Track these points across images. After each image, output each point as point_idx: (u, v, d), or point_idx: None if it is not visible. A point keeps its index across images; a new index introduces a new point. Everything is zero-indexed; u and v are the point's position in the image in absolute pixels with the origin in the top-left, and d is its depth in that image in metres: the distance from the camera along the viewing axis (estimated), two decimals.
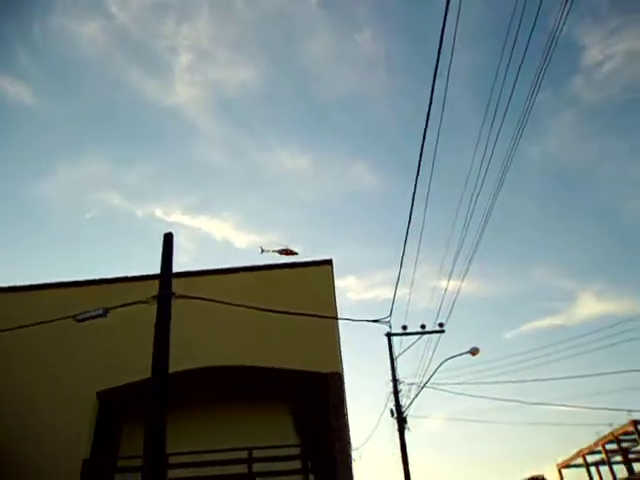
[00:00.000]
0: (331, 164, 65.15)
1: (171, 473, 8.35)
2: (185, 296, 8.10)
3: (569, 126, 61.96)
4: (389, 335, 16.21)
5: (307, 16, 50.18)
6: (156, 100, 47.16)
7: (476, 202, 8.70)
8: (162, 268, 7.97)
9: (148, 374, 6.74)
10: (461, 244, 10.01)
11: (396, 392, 15.87)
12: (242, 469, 9.91)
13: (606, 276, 77.00)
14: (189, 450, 9.64)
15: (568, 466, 49.23)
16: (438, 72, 6.25)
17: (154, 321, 7.22)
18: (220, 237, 67.39)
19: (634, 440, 38.15)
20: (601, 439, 40.47)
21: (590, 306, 68.40)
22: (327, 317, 10.56)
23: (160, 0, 41.22)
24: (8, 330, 9.20)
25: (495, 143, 7.54)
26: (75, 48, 39.96)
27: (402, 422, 15.41)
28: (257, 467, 10.03)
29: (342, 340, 12.05)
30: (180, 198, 59.66)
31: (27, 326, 9.08)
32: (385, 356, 16.47)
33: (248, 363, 10.78)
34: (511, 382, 22.84)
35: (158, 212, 58.13)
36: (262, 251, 14.83)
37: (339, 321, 11.42)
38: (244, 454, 10.02)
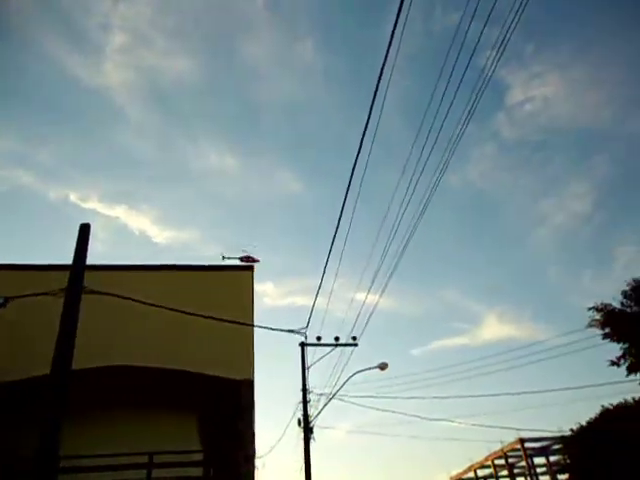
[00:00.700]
0: (259, 167, 64.93)
1: (66, 478, 7.89)
2: (96, 292, 7.78)
3: (489, 158, 66.17)
4: (303, 345, 16.36)
5: (252, 16, 49.96)
6: (81, 78, 44.57)
7: (399, 223, 9.09)
8: (75, 260, 7.58)
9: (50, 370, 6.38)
10: (382, 261, 10.37)
11: (305, 402, 16.01)
12: (142, 474, 9.55)
13: (510, 300, 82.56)
14: (89, 453, 9.15)
15: (460, 479, 51.94)
16: (377, 94, 6.53)
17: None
18: (138, 230, 64.81)
19: (520, 456, 41.08)
20: (491, 455, 43.24)
21: (493, 328, 72.98)
22: (244, 324, 10.51)
23: None
24: None
25: (423, 168, 7.94)
26: None
27: (308, 432, 15.56)
28: (157, 473, 9.70)
29: (256, 346, 12.04)
30: (98, 184, 56.59)
31: None
32: (298, 365, 16.60)
33: (159, 365, 10.44)
34: (413, 398, 23.79)
35: (73, 197, 54.92)
36: (223, 258, 14.80)
37: (255, 328, 11.40)
38: (145, 459, 9.67)
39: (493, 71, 6.20)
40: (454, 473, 50.83)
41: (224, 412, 11.07)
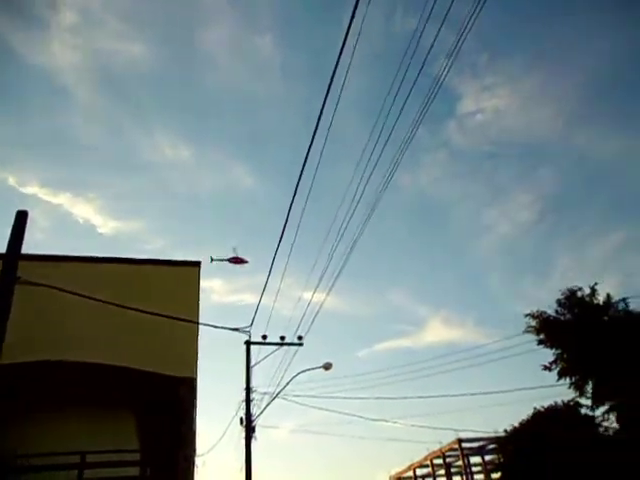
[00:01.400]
0: (212, 160, 63.92)
1: None
2: (31, 282, 7.41)
3: (439, 165, 68.03)
4: (248, 343, 16.24)
5: (212, 5, 49.08)
6: (24, 55, 42.26)
7: (349, 222, 9.18)
8: (9, 249, 7.19)
9: None
10: (329, 261, 10.44)
11: (248, 400, 15.89)
12: (73, 475, 9.17)
13: (454, 304, 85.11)
14: (17, 454, 8.70)
15: (400, 478, 53.08)
16: (330, 91, 6.55)
17: None
18: (82, 219, 62.38)
19: (457, 456, 42.42)
20: (430, 454, 44.43)
21: (437, 331, 75.03)
22: (188, 321, 10.29)
23: None
24: None
25: (373, 169, 8.05)
26: None
27: (250, 431, 15.45)
28: (91, 473, 9.34)
29: (201, 343, 11.83)
30: (40, 169, 54.01)
31: None
32: (242, 363, 16.45)
33: (96, 360, 10.05)
34: (356, 398, 24.14)
35: (11, 180, 51.99)
36: (212, 260, 14.51)
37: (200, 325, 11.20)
38: (77, 459, 9.28)
39: (445, 76, 6.36)
40: (393, 472, 51.90)
41: (164, 410, 10.81)
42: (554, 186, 67.59)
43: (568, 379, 17.77)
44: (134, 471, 9.95)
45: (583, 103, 62.44)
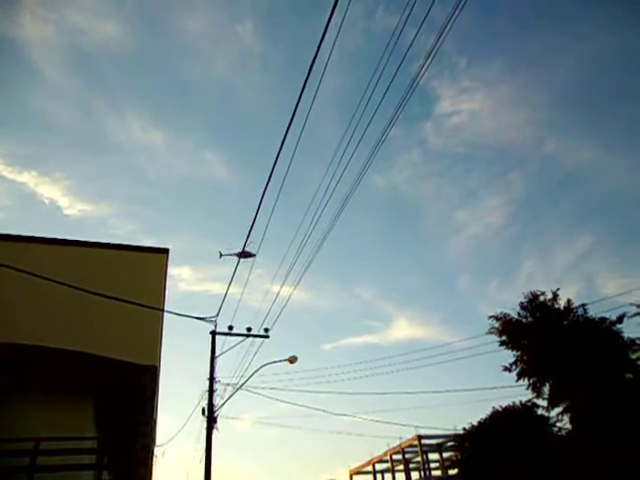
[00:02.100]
0: (183, 146, 62.95)
1: None
2: None
3: (413, 164, 68.76)
4: (214, 333, 16.11)
5: None
6: None
7: (320, 217, 9.17)
8: None
9: None
10: (298, 254, 10.40)
11: (211, 391, 15.77)
12: (25, 462, 8.91)
13: (421, 303, 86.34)
14: None
15: (359, 472, 53.72)
16: (307, 84, 6.51)
17: None
18: (48, 199, 60.65)
19: (416, 452, 43.18)
20: (390, 450, 45.09)
21: (403, 329, 76.05)
22: (153, 308, 10.13)
23: None
24: None
25: (346, 167, 8.05)
26: None
27: (212, 421, 15.34)
28: (44, 460, 9.09)
29: (165, 331, 11.67)
30: (4, 145, 52.07)
31: None
32: (207, 354, 16.31)
33: (56, 345, 9.79)
34: (320, 392, 24.26)
35: None
36: (221, 256, 14.25)
37: (165, 313, 11.05)
38: (30, 445, 9.03)
39: (422, 76, 6.40)
40: (353, 467, 52.47)
41: (124, 398, 10.61)
42: (524, 190, 69.28)
43: (527, 380, 18.26)
44: (90, 459, 9.75)
45: (556, 110, 64.03)
